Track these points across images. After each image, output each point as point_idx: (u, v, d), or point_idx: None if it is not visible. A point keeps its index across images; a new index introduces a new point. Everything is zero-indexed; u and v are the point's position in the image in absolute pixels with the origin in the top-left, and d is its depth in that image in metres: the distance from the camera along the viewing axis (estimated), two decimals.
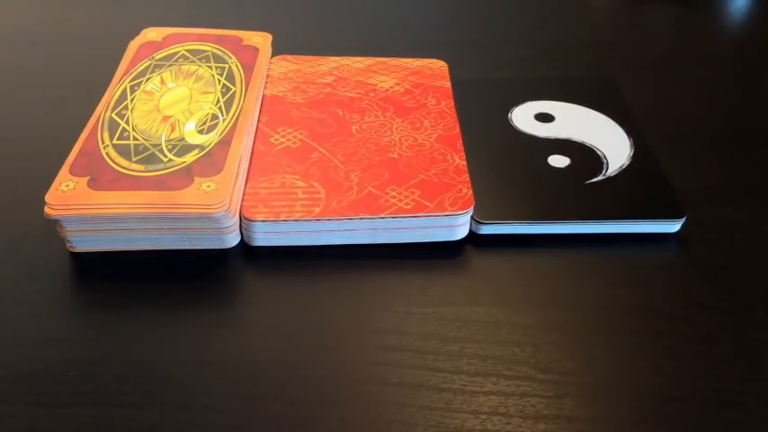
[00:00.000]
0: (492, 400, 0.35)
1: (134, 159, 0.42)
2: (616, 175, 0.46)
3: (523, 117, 0.52)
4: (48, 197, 0.40)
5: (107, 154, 0.43)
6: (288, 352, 0.37)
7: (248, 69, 0.51)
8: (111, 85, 0.49)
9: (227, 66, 0.51)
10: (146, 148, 0.43)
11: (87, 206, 0.40)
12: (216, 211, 0.40)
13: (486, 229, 0.43)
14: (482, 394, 0.35)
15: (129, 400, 0.34)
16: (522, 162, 0.47)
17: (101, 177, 0.41)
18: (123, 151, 0.43)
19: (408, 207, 0.42)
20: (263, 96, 0.51)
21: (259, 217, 0.41)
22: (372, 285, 0.41)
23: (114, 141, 0.44)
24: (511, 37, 0.66)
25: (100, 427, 0.33)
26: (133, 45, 0.53)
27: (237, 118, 0.46)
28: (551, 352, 0.37)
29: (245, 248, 0.43)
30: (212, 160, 0.42)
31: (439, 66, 0.56)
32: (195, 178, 0.41)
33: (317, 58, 0.56)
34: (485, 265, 0.42)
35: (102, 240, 0.41)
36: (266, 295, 0.40)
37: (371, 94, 0.52)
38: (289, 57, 0.56)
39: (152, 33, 0.54)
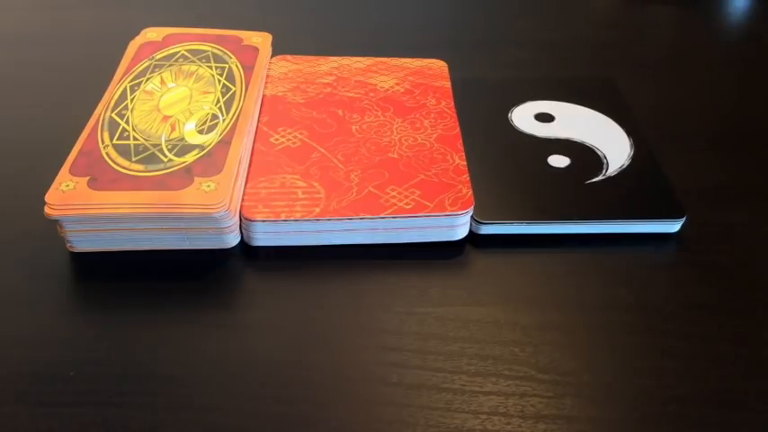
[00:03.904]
0: (492, 400, 0.35)
1: (134, 159, 0.42)
2: (616, 175, 0.46)
3: (523, 117, 0.52)
4: (48, 197, 0.40)
5: (107, 154, 0.43)
6: (288, 352, 0.37)
7: (248, 69, 0.51)
8: (111, 85, 0.49)
9: (227, 66, 0.51)
10: (146, 148, 0.43)
11: (87, 206, 0.40)
12: (216, 211, 0.40)
13: (486, 229, 0.43)
14: (482, 394, 0.35)
15: (129, 400, 0.34)
16: (522, 162, 0.47)
17: (101, 177, 0.41)
18: (123, 151, 0.43)
19: (408, 207, 0.42)
20: (263, 96, 0.51)
21: (259, 217, 0.41)
22: (372, 285, 0.41)
23: (114, 141, 0.44)
24: (511, 37, 0.66)
25: (100, 427, 0.33)
26: (133, 45, 0.53)
27: (237, 118, 0.46)
28: (551, 352, 0.37)
29: (245, 248, 0.43)
30: (212, 160, 0.42)
31: (439, 66, 0.56)
32: (195, 178, 0.41)
33: (316, 58, 0.56)
34: (485, 265, 0.42)
35: (102, 240, 0.41)
36: (266, 295, 0.40)
37: (371, 94, 0.52)
38: (289, 57, 0.56)
39: (152, 33, 0.54)
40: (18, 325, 0.38)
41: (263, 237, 0.42)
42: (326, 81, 0.53)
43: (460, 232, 0.43)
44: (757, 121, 0.55)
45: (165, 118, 0.46)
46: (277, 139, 0.47)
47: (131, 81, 0.49)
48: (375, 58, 0.56)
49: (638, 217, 0.43)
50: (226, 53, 0.52)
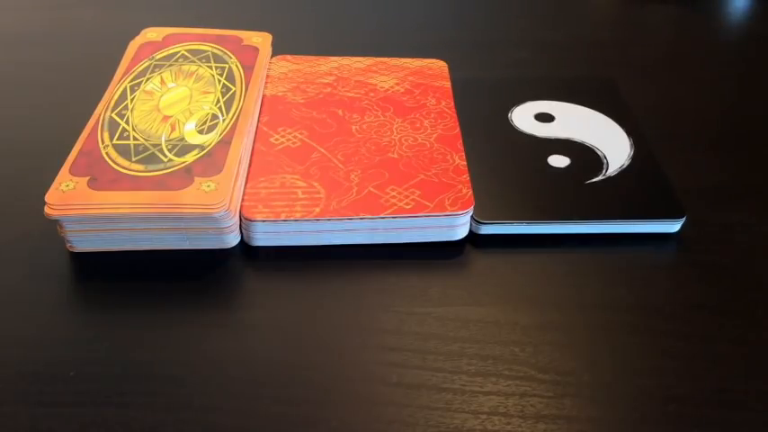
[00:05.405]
0: (492, 400, 0.35)
1: (134, 159, 0.42)
2: (616, 175, 0.46)
3: (523, 117, 0.52)
4: (48, 197, 0.40)
5: (107, 154, 0.43)
6: (288, 352, 0.37)
7: (248, 69, 0.51)
8: (111, 85, 0.49)
9: (227, 66, 0.51)
10: (146, 148, 0.43)
11: (87, 206, 0.40)
12: (216, 211, 0.40)
13: (486, 229, 0.43)
14: (482, 394, 0.35)
15: (129, 400, 0.34)
16: (522, 162, 0.47)
17: (101, 177, 0.41)
18: (123, 151, 0.43)
19: (408, 207, 0.42)
20: (263, 96, 0.51)
21: (259, 217, 0.41)
22: (372, 285, 0.41)
23: (114, 141, 0.44)
24: (511, 37, 0.66)
25: (100, 427, 0.33)
26: (133, 45, 0.53)
27: (237, 118, 0.46)
28: (551, 352, 0.37)
29: (245, 248, 0.43)
30: (212, 160, 0.42)
31: (439, 66, 0.56)
32: (195, 178, 0.41)
33: (316, 58, 0.56)
34: (485, 265, 0.42)
35: (102, 240, 0.41)
36: (266, 295, 0.40)
37: (371, 94, 0.52)
38: (289, 57, 0.56)
39: (152, 33, 0.54)
40: (18, 325, 0.38)
41: (263, 237, 0.42)
42: (326, 81, 0.53)
43: (460, 232, 0.43)
44: (757, 121, 0.55)
45: (165, 118, 0.46)
46: (277, 139, 0.47)
47: (131, 81, 0.49)
48: (375, 58, 0.56)
49: (638, 217, 0.43)
50: (226, 53, 0.52)
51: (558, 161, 0.47)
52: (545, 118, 0.52)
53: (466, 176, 0.44)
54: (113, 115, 0.46)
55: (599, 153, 0.48)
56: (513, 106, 0.53)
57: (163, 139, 0.44)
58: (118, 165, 0.42)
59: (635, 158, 0.48)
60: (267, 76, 0.53)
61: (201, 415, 0.34)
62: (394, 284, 0.41)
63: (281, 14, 0.68)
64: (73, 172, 0.41)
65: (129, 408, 0.34)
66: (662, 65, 0.62)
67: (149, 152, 0.43)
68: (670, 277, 0.42)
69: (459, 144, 0.47)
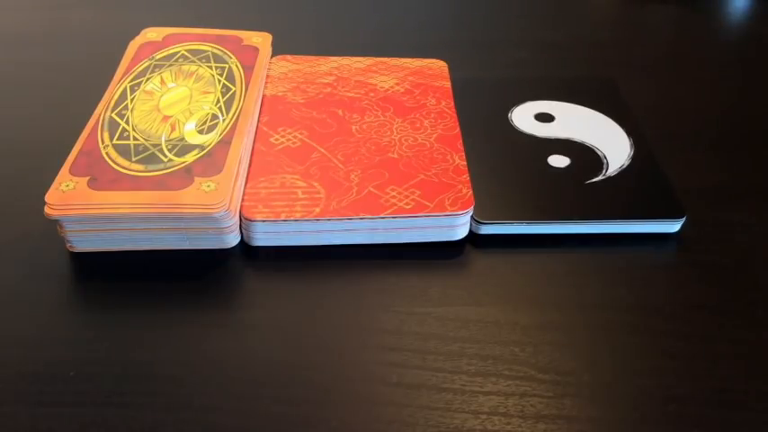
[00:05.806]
0: (492, 400, 0.35)
1: (134, 159, 0.42)
2: (616, 175, 0.46)
3: (523, 117, 0.52)
4: (48, 197, 0.40)
5: (107, 154, 0.43)
6: (288, 352, 0.37)
7: (248, 69, 0.51)
8: (111, 85, 0.49)
9: (227, 66, 0.51)
10: (146, 148, 0.43)
11: (87, 206, 0.40)
12: (216, 211, 0.40)
13: (486, 229, 0.43)
14: (482, 394, 0.35)
15: (129, 400, 0.34)
16: (522, 162, 0.47)
17: (101, 177, 0.41)
18: (123, 151, 0.43)
19: (408, 207, 0.42)
20: (263, 96, 0.51)
21: (259, 217, 0.41)
22: (372, 285, 0.41)
23: (114, 141, 0.44)
24: (511, 37, 0.66)
25: (100, 427, 0.33)
26: (133, 45, 0.53)
27: (237, 118, 0.46)
28: (551, 352, 0.37)
29: (245, 248, 0.43)
30: (212, 160, 0.42)
31: (439, 66, 0.56)
32: (195, 178, 0.41)
33: (316, 58, 0.56)
34: (485, 265, 0.42)
35: (102, 240, 0.41)
36: (266, 295, 0.40)
37: (371, 94, 0.52)
38: (289, 57, 0.56)
39: (152, 33, 0.54)
40: (18, 325, 0.38)
41: (263, 237, 0.42)
42: (326, 81, 0.53)
43: (460, 232, 0.43)
44: (757, 121, 0.55)
45: (165, 118, 0.46)
46: (277, 139, 0.47)
47: (131, 81, 0.49)
48: (375, 58, 0.56)
49: (638, 217, 0.43)
50: (226, 53, 0.52)
51: (558, 161, 0.47)
52: (545, 118, 0.52)
53: (466, 176, 0.44)
54: (113, 115, 0.46)
55: (599, 153, 0.48)
56: (513, 106, 0.53)
57: (163, 139, 0.44)
58: (118, 165, 0.42)
59: (635, 158, 0.48)
60: (267, 76, 0.53)
61: (201, 415, 0.34)
62: (394, 284, 0.41)
63: (281, 14, 0.68)
64: (73, 172, 0.41)
65: (129, 408, 0.34)
66: (662, 65, 0.62)
67: (149, 152, 0.43)
68: (670, 277, 0.42)
69: (460, 144, 0.47)
